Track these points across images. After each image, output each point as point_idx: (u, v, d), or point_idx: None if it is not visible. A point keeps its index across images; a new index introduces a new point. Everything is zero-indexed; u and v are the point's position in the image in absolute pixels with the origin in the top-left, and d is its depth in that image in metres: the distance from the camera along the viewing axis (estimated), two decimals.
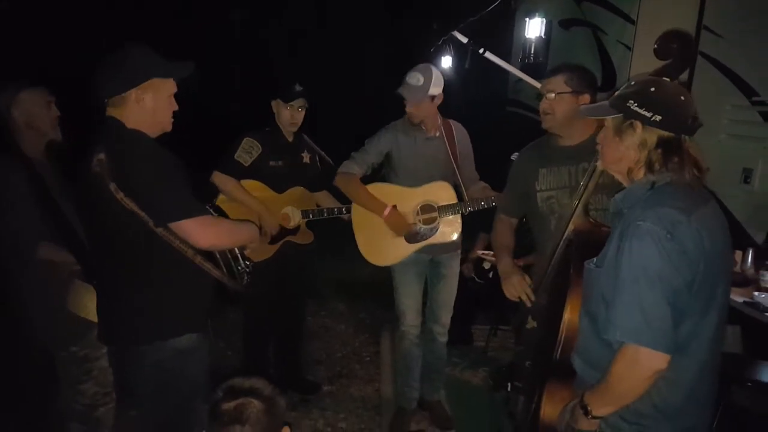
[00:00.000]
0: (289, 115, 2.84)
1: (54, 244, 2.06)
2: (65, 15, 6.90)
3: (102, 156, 1.60)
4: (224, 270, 1.83)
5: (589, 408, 1.39)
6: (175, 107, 1.79)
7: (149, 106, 1.71)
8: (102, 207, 1.63)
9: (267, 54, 8.95)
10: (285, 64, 8.11)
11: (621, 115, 1.39)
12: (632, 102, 1.37)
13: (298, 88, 2.84)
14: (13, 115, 2.11)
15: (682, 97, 1.38)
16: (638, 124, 1.37)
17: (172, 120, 1.79)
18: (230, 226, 1.93)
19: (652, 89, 1.37)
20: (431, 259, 2.81)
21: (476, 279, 3.84)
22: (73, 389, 2.19)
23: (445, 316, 2.90)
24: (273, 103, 2.88)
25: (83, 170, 1.65)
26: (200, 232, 1.65)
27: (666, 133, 1.35)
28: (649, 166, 1.37)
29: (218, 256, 1.83)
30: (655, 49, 1.60)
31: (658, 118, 1.34)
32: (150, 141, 1.69)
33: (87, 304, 2.01)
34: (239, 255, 1.92)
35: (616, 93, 1.44)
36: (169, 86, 1.75)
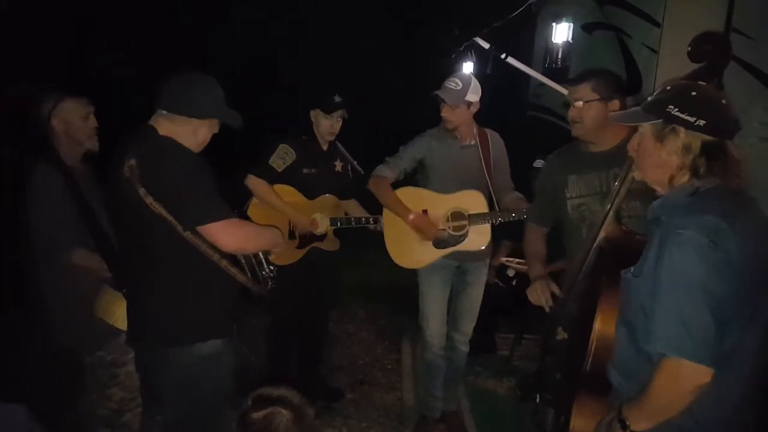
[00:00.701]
0: (329, 126, 2.89)
1: (87, 250, 2.11)
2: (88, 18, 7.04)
3: (133, 161, 1.63)
4: (249, 275, 1.85)
5: (627, 422, 1.34)
6: (206, 142, 1.84)
7: (185, 133, 1.75)
8: (131, 211, 1.66)
9: (298, 61, 9.03)
10: (322, 74, 8.18)
11: (660, 120, 1.35)
12: (672, 107, 1.33)
13: (337, 99, 2.88)
14: (53, 124, 2.17)
15: (724, 101, 1.34)
16: (681, 129, 1.33)
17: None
18: (256, 230, 1.96)
19: (693, 93, 1.34)
20: (458, 266, 2.79)
21: (499, 284, 3.79)
22: (101, 394, 2.22)
23: (468, 324, 2.87)
24: (312, 112, 2.92)
25: (114, 176, 1.69)
26: (226, 235, 1.68)
27: (710, 138, 1.31)
28: (695, 172, 1.32)
29: (243, 260, 1.85)
30: (688, 52, 1.55)
31: (702, 122, 1.30)
32: (179, 146, 1.71)
33: (115, 311, 2.04)
34: (263, 260, 1.94)
35: (651, 98, 1.40)
36: (214, 127, 1.82)
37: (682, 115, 1.31)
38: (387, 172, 2.71)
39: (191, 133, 1.75)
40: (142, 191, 1.61)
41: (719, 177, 1.31)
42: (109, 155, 1.80)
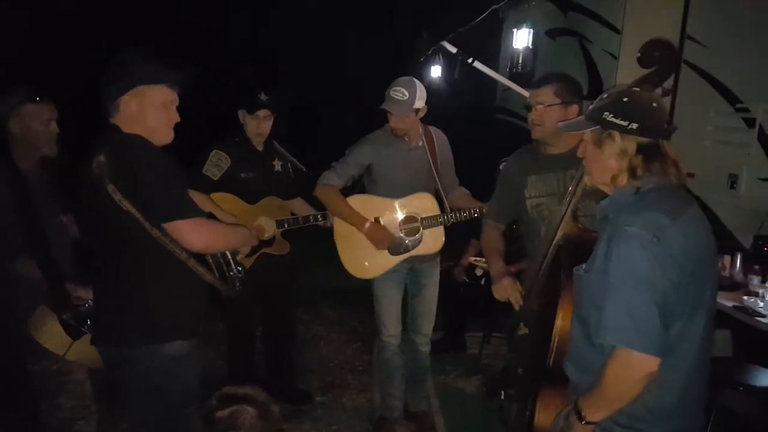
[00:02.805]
0: (255, 126, 2.82)
1: (30, 261, 2.03)
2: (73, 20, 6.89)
3: (102, 158, 1.62)
4: (216, 274, 1.84)
5: (583, 413, 1.40)
6: (174, 118, 1.78)
7: (136, 113, 1.72)
8: (100, 208, 1.65)
9: (247, 61, 8.92)
10: (248, 72, 8.07)
11: (599, 127, 1.43)
12: (608, 113, 1.41)
13: (263, 97, 2.80)
14: (10, 127, 2.10)
15: (655, 104, 1.43)
16: (616, 134, 1.41)
17: (172, 131, 1.79)
18: (223, 228, 1.95)
19: (625, 99, 1.42)
20: (410, 268, 2.81)
21: (466, 281, 3.84)
22: (49, 403, 2.16)
23: (426, 325, 2.89)
24: (240, 113, 2.84)
25: (83, 173, 1.67)
26: (193, 234, 1.67)
27: (644, 139, 1.39)
28: (632, 172, 1.40)
29: (210, 260, 1.84)
30: (638, 58, 1.63)
31: (635, 126, 1.38)
32: (147, 143, 1.70)
33: (45, 331, 1.99)
34: (231, 260, 1.93)
35: (590, 107, 1.49)
36: (160, 94, 1.75)
37: (616, 120, 1.39)
38: (334, 179, 2.66)
39: (127, 115, 1.70)
40: (110, 187, 1.60)
41: (657, 176, 1.39)
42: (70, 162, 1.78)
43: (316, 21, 8.80)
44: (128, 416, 1.83)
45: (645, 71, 1.65)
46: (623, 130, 1.39)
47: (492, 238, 2.34)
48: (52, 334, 1.96)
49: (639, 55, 1.61)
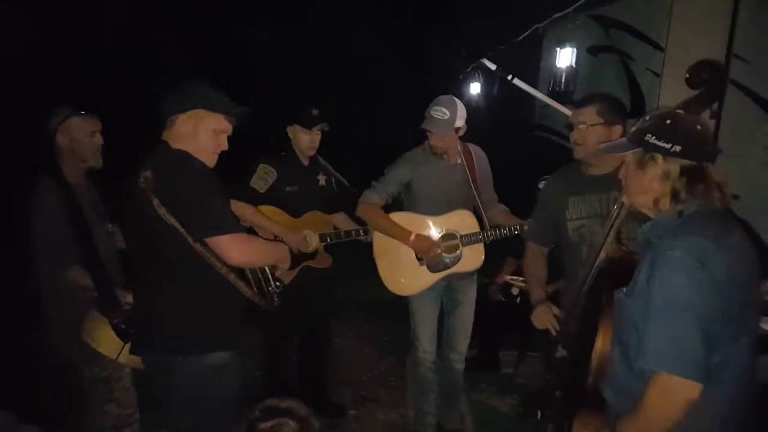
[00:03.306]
0: (309, 140, 2.87)
1: (81, 269, 2.11)
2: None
3: (148, 173, 1.69)
4: (255, 289, 1.89)
5: None
6: (223, 146, 1.86)
7: (189, 134, 1.79)
8: (145, 222, 1.71)
9: (280, 78, 9.08)
10: (299, 89, 8.26)
11: (641, 149, 1.43)
12: (650, 135, 1.41)
13: (315, 112, 2.86)
14: (58, 139, 2.19)
15: (698, 126, 1.42)
16: (659, 157, 1.40)
17: (216, 157, 1.86)
18: (263, 245, 2.00)
19: (668, 121, 1.42)
20: (447, 285, 2.81)
21: (502, 299, 3.81)
22: (100, 409, 2.22)
23: (462, 343, 2.88)
24: (289, 129, 2.90)
25: (130, 187, 1.74)
26: (234, 249, 1.72)
27: (687, 162, 1.38)
28: (675, 196, 1.39)
29: (250, 275, 1.89)
30: (686, 79, 1.61)
31: (678, 148, 1.37)
32: (192, 159, 1.77)
33: (98, 336, 2.06)
34: (270, 276, 1.98)
35: (633, 128, 1.48)
36: (216, 121, 1.82)
37: (659, 143, 1.39)
38: (375, 197, 2.68)
39: (181, 133, 1.77)
40: (155, 202, 1.66)
41: (701, 199, 1.38)
42: (119, 173, 1.85)
43: (351, 38, 8.94)
44: (167, 424, 1.87)
45: (690, 90, 1.64)
46: (666, 153, 1.39)
47: (534, 264, 2.33)
48: (104, 339, 2.03)
49: (687, 75, 1.60)
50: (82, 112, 2.24)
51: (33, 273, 2.16)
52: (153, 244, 1.76)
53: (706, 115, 1.58)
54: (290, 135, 2.92)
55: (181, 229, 1.67)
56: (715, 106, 2.61)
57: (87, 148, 2.23)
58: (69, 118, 2.21)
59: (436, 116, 2.58)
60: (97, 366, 2.17)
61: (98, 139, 2.27)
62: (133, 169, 1.75)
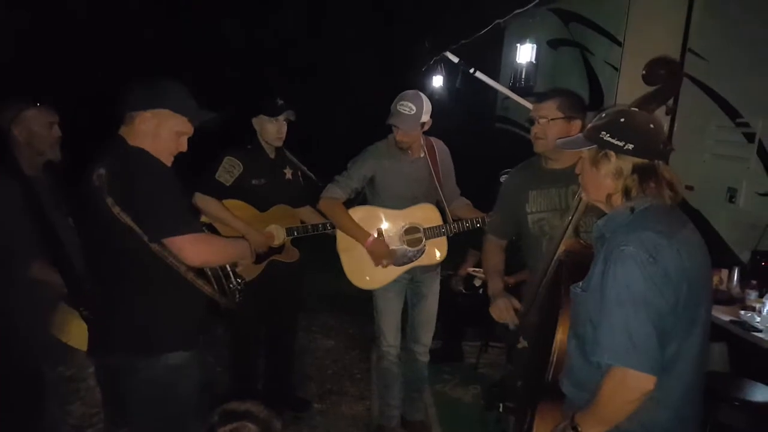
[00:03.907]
0: (276, 130, 2.82)
1: (45, 264, 2.06)
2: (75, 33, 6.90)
3: (102, 171, 1.63)
4: (215, 287, 1.85)
5: (579, 429, 1.41)
6: (182, 148, 1.81)
7: (150, 132, 1.73)
8: (99, 221, 1.65)
9: (252, 70, 8.93)
10: (263, 79, 8.12)
11: (596, 146, 1.45)
12: (605, 133, 1.43)
13: (280, 101, 2.82)
14: (14, 133, 2.11)
15: (651, 125, 1.45)
16: (612, 154, 1.43)
17: (173, 158, 1.81)
18: (222, 243, 1.96)
19: (622, 120, 1.44)
20: (411, 278, 2.82)
21: (464, 291, 3.84)
22: (61, 409, 2.18)
23: (426, 335, 2.90)
24: (255, 120, 2.84)
25: (83, 185, 1.68)
26: (192, 249, 1.68)
27: (639, 160, 1.41)
28: (627, 193, 1.43)
29: (210, 273, 1.85)
30: (643, 75, 1.64)
31: (631, 146, 1.40)
32: (149, 157, 1.72)
33: (69, 329, 2.02)
34: (231, 272, 1.94)
35: (589, 125, 1.51)
36: (179, 123, 1.77)
37: (612, 141, 1.42)
38: (338, 192, 2.67)
39: (141, 131, 1.72)
40: (109, 200, 1.61)
41: (652, 196, 1.41)
42: (78, 166, 1.78)
43: (314, 26, 8.84)
44: (129, 425, 1.83)
45: (647, 86, 1.67)
46: (619, 151, 1.41)
47: (493, 256, 2.35)
48: (75, 331, 1.98)
49: (644, 72, 1.62)
50: (38, 104, 2.16)
51: None
52: (108, 244, 1.70)
53: (661, 111, 1.61)
54: (256, 127, 2.86)
55: (137, 229, 1.62)
56: (671, 102, 2.69)
57: (45, 140, 2.16)
58: (24, 110, 2.12)
59: (403, 111, 2.57)
60: (62, 365, 2.13)
61: (56, 132, 2.19)
62: (89, 165, 1.69)
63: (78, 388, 2.17)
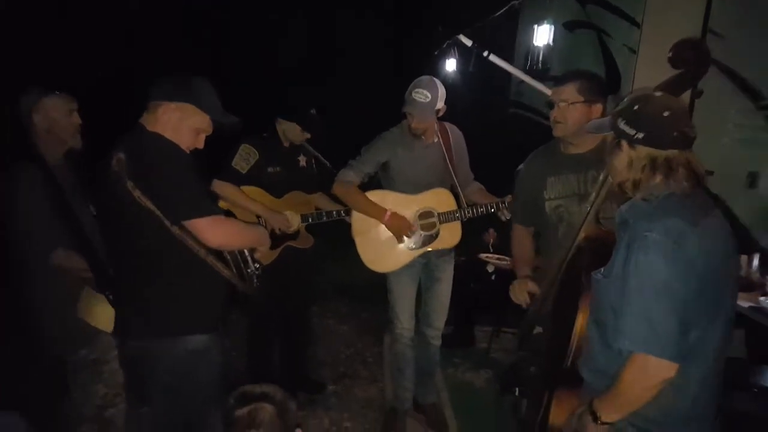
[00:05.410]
0: (301, 136, 2.87)
1: (68, 251, 2.07)
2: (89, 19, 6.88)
3: (121, 155, 1.64)
4: (234, 271, 1.86)
5: (597, 414, 1.41)
6: (199, 145, 1.83)
7: (171, 124, 1.75)
8: (119, 205, 1.67)
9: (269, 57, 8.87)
10: (278, 70, 8.05)
11: (612, 132, 1.42)
12: (621, 119, 1.39)
13: (312, 111, 2.84)
14: (34, 121, 2.11)
15: (666, 112, 1.36)
16: (624, 143, 1.40)
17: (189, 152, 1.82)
18: (241, 227, 1.97)
19: (636, 107, 1.39)
20: (426, 262, 2.82)
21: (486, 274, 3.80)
22: (84, 392, 2.21)
23: (439, 319, 2.90)
24: (283, 122, 2.86)
25: (103, 169, 1.69)
26: (212, 231, 1.70)
27: (652, 150, 1.37)
28: (637, 182, 1.39)
29: (229, 257, 1.86)
30: (669, 57, 1.59)
31: (641, 135, 1.36)
32: (167, 142, 1.73)
33: (95, 312, 2.03)
34: (249, 257, 1.95)
35: (614, 109, 1.46)
36: (201, 120, 1.79)
37: (626, 129, 1.38)
38: (351, 175, 2.67)
39: (162, 121, 1.73)
40: (130, 184, 1.62)
41: (666, 187, 1.37)
42: (96, 154, 1.79)
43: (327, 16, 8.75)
44: (148, 408, 1.85)
45: (668, 66, 1.62)
46: (630, 140, 1.38)
47: (522, 244, 2.33)
48: (101, 313, 1.99)
49: (669, 54, 1.58)
50: (57, 92, 2.16)
51: (16, 259, 2.11)
52: (129, 227, 1.71)
53: (686, 96, 1.56)
54: (277, 125, 2.88)
55: (158, 212, 1.64)
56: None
57: (65, 128, 2.16)
58: (43, 98, 2.13)
59: (418, 99, 2.54)
60: (86, 348, 2.15)
61: (76, 119, 2.20)
62: (109, 151, 1.70)
63: (101, 371, 2.20)
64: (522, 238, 2.34)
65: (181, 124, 1.76)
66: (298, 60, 8.65)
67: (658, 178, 1.36)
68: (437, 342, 2.94)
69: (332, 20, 8.76)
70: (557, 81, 2.12)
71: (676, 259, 1.29)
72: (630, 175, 1.39)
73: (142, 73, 1.82)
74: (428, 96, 2.53)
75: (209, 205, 1.74)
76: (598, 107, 2.03)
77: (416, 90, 2.56)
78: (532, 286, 2.12)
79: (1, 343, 2.31)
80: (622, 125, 1.38)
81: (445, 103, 2.66)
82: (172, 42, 7.68)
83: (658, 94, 1.45)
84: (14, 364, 2.19)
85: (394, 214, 2.68)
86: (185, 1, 8.22)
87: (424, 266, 2.84)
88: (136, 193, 1.62)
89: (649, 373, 1.31)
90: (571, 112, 2.02)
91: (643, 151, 1.37)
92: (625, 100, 1.44)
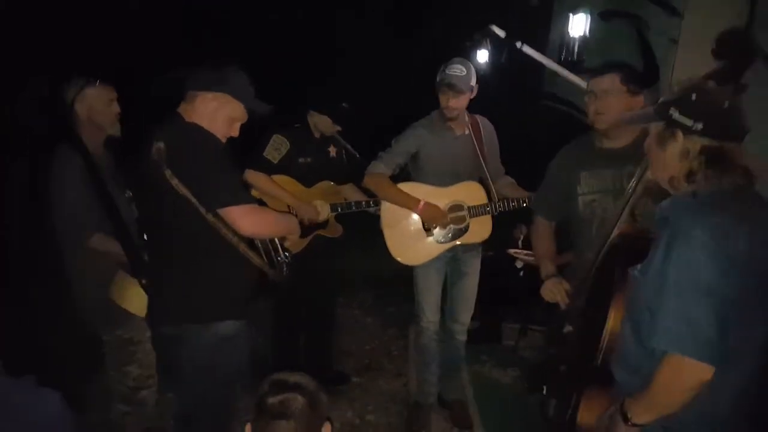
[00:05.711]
0: (331, 128, 2.91)
1: (105, 235, 2.15)
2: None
3: (161, 145, 1.70)
4: (265, 259, 1.90)
5: (629, 415, 1.37)
6: (234, 133, 1.88)
7: (208, 113, 1.80)
8: (157, 194, 1.72)
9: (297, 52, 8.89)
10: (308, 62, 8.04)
11: (663, 123, 1.36)
12: (674, 109, 1.33)
13: (345, 105, 2.88)
14: (77, 110, 2.22)
15: (726, 103, 1.32)
16: (679, 133, 1.34)
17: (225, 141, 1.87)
18: (273, 215, 2.01)
19: (694, 96, 1.33)
20: (453, 256, 2.80)
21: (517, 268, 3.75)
22: (119, 371, 2.29)
23: (465, 314, 2.88)
24: (314, 114, 2.89)
25: (142, 158, 1.75)
26: (245, 219, 1.74)
27: (708, 142, 1.31)
28: (691, 175, 1.33)
29: (260, 245, 1.91)
30: (713, 49, 1.53)
31: (699, 126, 1.30)
32: (204, 132, 1.78)
33: (127, 296, 2.10)
34: (279, 246, 2.00)
35: (661, 99, 1.40)
36: (236, 108, 1.84)
37: (681, 119, 1.32)
38: (382, 167, 2.67)
39: (200, 110, 1.79)
40: (168, 173, 1.67)
41: (719, 180, 1.32)
42: (133, 142, 1.85)
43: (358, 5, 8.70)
44: (177, 391, 1.90)
45: (712, 59, 1.55)
46: (687, 130, 1.32)
47: (543, 238, 2.29)
48: (133, 298, 2.07)
49: (713, 46, 1.51)
50: (98, 82, 2.26)
51: (55, 241, 2.20)
52: (165, 215, 1.77)
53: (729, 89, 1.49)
54: (313, 118, 2.91)
55: (194, 200, 1.68)
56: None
57: (105, 117, 2.27)
58: (86, 87, 2.23)
59: (455, 73, 2.54)
60: (121, 328, 2.23)
61: (115, 108, 2.30)
62: (146, 140, 1.76)
63: (135, 351, 2.27)
64: (544, 231, 2.30)
65: (216, 113, 1.81)
66: (324, 53, 8.69)
67: (711, 171, 1.31)
68: (462, 337, 2.92)
69: (363, 16, 8.75)
70: (597, 71, 2.04)
71: (721, 257, 1.24)
72: (682, 167, 1.34)
73: (169, 64, 1.87)
74: (464, 70, 2.54)
75: (244, 194, 1.79)
76: (639, 99, 1.95)
77: (451, 66, 2.56)
78: (566, 284, 2.07)
79: (41, 322, 2.40)
80: (675, 115, 1.32)
81: (477, 95, 2.64)
82: (200, 33, 7.78)
83: (710, 83, 1.39)
84: (52, 343, 2.27)
85: (428, 204, 2.67)
86: None
87: (451, 260, 2.81)
88: (174, 182, 1.67)
89: (684, 375, 1.27)
90: (614, 103, 1.95)
91: (700, 142, 1.31)
92: (675, 89, 1.38)
